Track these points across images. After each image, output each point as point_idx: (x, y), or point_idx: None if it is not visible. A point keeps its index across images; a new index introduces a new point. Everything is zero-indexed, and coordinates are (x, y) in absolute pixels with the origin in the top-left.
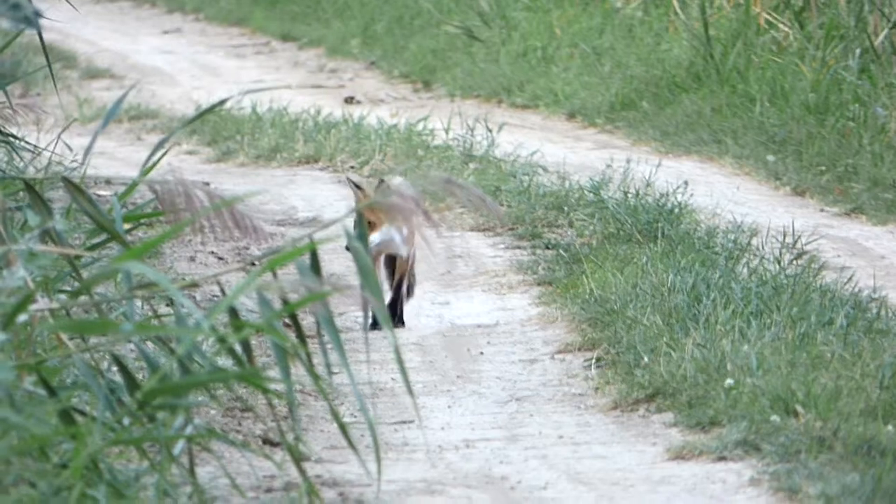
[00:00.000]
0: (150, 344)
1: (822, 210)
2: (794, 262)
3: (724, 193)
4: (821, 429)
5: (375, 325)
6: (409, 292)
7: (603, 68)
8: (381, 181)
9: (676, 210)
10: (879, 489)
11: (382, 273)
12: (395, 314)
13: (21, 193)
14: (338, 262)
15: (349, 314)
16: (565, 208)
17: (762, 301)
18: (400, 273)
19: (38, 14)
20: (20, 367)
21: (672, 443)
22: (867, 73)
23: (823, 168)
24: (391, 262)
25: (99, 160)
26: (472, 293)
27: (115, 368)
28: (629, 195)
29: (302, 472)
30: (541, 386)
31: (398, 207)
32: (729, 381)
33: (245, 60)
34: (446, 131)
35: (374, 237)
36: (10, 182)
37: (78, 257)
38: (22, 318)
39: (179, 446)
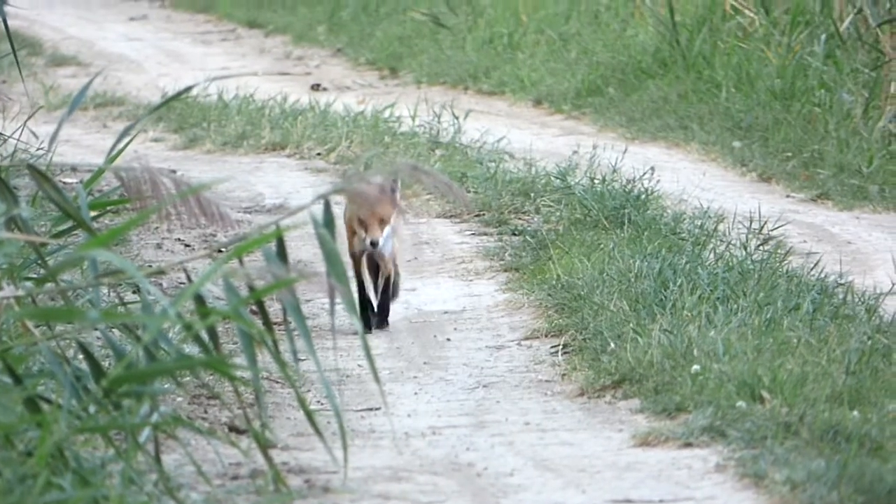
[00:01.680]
0: (116, 331)
1: (788, 196)
2: (761, 247)
3: (690, 179)
4: (787, 414)
5: (381, 326)
6: (395, 293)
7: (569, 54)
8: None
9: (643, 196)
10: (845, 475)
11: (366, 274)
12: (384, 317)
13: None
14: (304, 249)
15: (316, 301)
16: (532, 194)
17: (729, 287)
18: (386, 273)
19: (2, 0)
20: None
21: (638, 429)
22: (833, 58)
23: (789, 154)
24: (373, 261)
25: (65, 147)
26: (438, 279)
27: (80, 356)
28: (596, 181)
29: (268, 459)
30: (507, 372)
31: (367, 195)
32: (695, 367)
33: (211, 47)
34: (413, 118)
35: (386, 235)
36: None
37: (44, 245)
38: None
39: (145, 434)
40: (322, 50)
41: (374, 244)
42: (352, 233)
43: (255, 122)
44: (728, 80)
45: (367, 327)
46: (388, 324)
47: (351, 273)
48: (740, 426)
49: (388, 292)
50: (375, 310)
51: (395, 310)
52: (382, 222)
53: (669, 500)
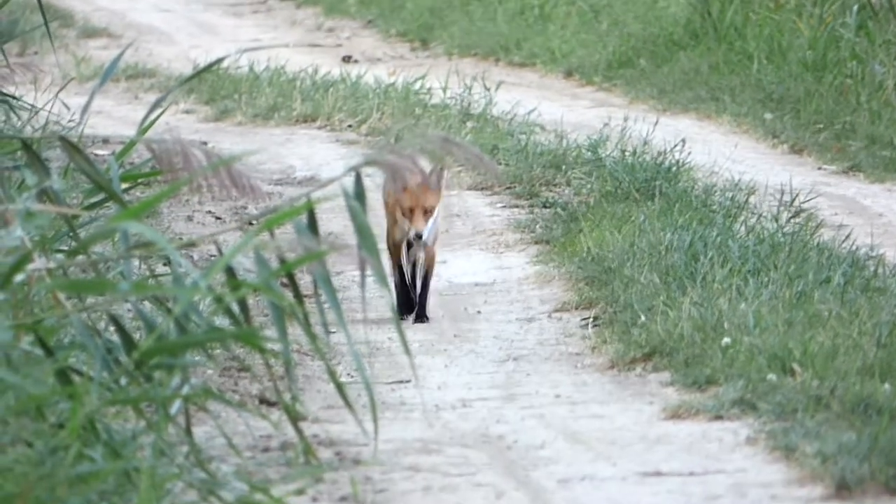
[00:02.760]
0: (147, 304)
1: (819, 168)
2: (792, 220)
3: (721, 151)
4: (817, 387)
5: (420, 319)
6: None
7: (600, 26)
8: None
9: (674, 168)
10: (876, 447)
11: (406, 263)
12: (422, 309)
13: (18, 153)
14: (335, 221)
15: (346, 273)
16: (563, 167)
17: (759, 259)
18: (428, 262)
19: None
20: (17, 327)
21: (669, 402)
22: (865, 29)
23: (821, 126)
24: (409, 248)
25: (96, 119)
26: (469, 252)
27: (112, 328)
28: (627, 153)
29: (298, 431)
30: (538, 345)
31: (399, 167)
32: (726, 340)
33: (242, 19)
34: (444, 90)
35: (430, 226)
36: (8, 141)
37: (75, 217)
38: (19, 277)
39: (176, 406)
40: (353, 21)
41: (419, 236)
42: (393, 220)
43: (286, 94)
44: (759, 51)
45: (409, 315)
46: (427, 318)
47: (387, 260)
48: (771, 399)
49: (429, 284)
50: (415, 299)
51: None
52: (427, 213)
53: (700, 472)
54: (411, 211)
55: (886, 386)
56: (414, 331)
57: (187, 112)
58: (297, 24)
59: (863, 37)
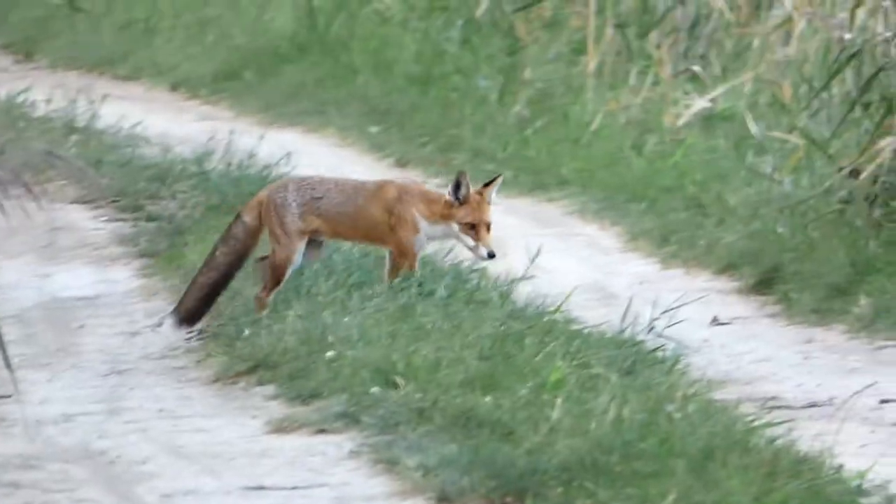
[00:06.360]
0: None
1: (424, 182)
2: None
3: (327, 164)
4: (420, 400)
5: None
6: None
7: (207, 39)
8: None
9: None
10: (477, 460)
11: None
12: None
13: None
14: None
15: None
16: (168, 180)
17: (364, 272)
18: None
19: None
20: None
21: (273, 415)
22: (469, 44)
23: (426, 139)
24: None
25: None
26: (73, 265)
27: None
28: (232, 167)
29: None
30: (142, 359)
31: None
32: (330, 353)
33: None
34: (47, 102)
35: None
36: None
37: None
38: None
39: None
40: None
41: (492, 255)
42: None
43: None
44: (365, 65)
45: None
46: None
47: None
48: (374, 412)
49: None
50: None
51: (29, 296)
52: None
53: (304, 486)
54: (474, 227)
55: (488, 399)
56: (16, 345)
57: None
58: None
59: (467, 51)
